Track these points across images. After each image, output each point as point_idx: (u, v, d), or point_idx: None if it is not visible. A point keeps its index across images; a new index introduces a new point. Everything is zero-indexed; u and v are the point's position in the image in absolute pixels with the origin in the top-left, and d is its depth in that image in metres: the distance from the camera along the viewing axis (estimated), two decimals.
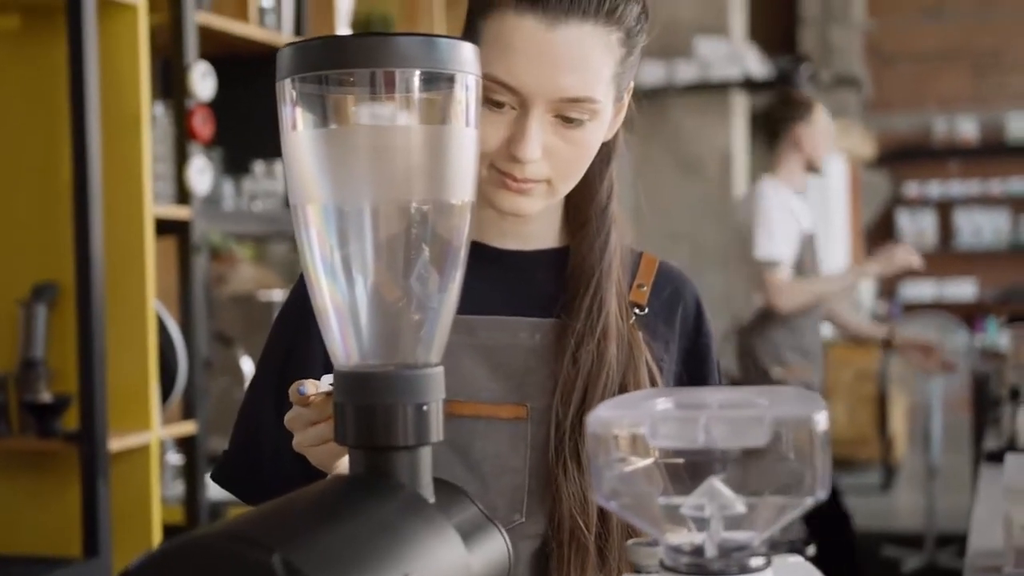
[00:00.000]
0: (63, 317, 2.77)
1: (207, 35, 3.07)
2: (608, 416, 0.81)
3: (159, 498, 2.86)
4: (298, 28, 3.44)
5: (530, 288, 1.32)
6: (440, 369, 0.91)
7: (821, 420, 0.78)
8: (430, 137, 0.90)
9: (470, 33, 1.25)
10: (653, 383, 1.29)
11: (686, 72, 5.68)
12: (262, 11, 3.31)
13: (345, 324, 0.91)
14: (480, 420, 1.26)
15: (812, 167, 4.24)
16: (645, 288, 1.35)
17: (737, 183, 5.91)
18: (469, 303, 1.27)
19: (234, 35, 3.15)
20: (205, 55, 3.05)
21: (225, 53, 3.23)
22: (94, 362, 2.62)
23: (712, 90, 5.73)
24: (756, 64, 5.89)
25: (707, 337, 1.37)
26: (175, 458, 3.22)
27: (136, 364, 2.78)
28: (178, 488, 3.19)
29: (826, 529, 3.97)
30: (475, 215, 1.31)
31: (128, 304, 2.78)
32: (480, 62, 1.19)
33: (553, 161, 1.22)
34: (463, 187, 0.91)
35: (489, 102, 1.20)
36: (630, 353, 1.29)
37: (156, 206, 2.87)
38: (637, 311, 1.33)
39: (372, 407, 0.88)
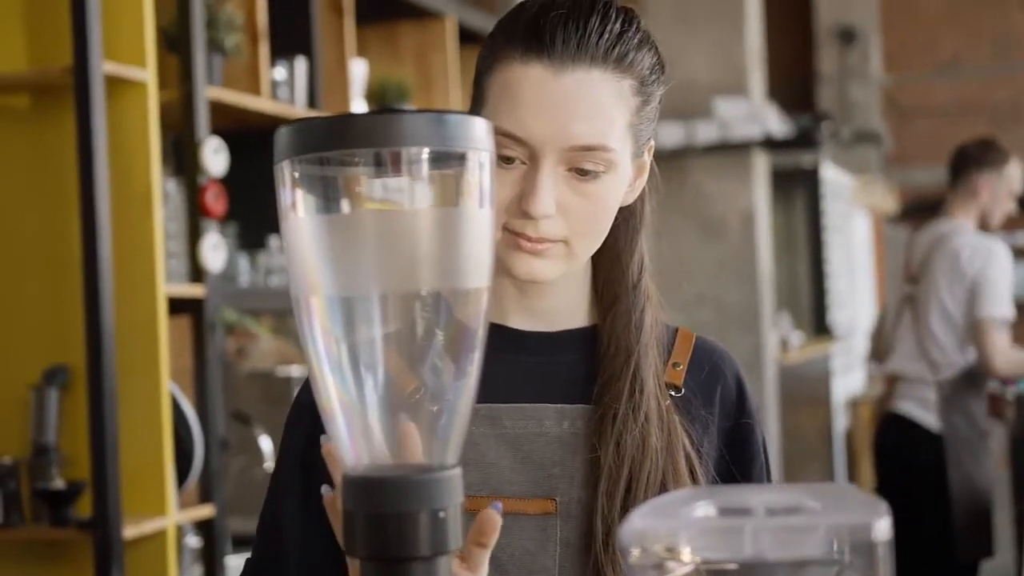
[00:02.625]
0: (75, 401, 2.70)
1: (219, 110, 3.03)
2: (643, 527, 0.73)
3: None
4: (311, 101, 3.40)
5: (556, 372, 1.23)
6: (458, 471, 0.84)
7: (883, 527, 0.70)
8: (441, 220, 0.83)
9: (478, 94, 1.19)
10: (692, 471, 1.21)
11: (706, 133, 5.62)
12: (274, 84, 3.27)
13: (353, 424, 0.84)
14: (505, 516, 1.18)
15: (985, 221, 4.11)
16: (681, 367, 1.26)
17: (761, 243, 5.83)
18: (492, 390, 1.17)
19: (246, 109, 3.11)
20: (217, 130, 3.00)
21: (238, 127, 3.19)
22: (106, 447, 2.55)
23: (732, 150, 5.67)
24: (776, 123, 5.83)
25: (750, 417, 1.28)
26: (194, 541, 3.14)
27: (151, 448, 2.71)
28: (197, 572, 3.10)
29: None
30: (494, 296, 1.24)
31: (141, 386, 2.71)
32: (488, 117, 1.13)
33: (569, 218, 1.15)
34: (478, 272, 0.84)
35: (499, 158, 1.13)
36: (668, 439, 1.20)
37: (169, 285, 2.81)
38: (673, 393, 1.24)
39: (384, 515, 0.81)
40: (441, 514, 0.81)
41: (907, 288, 4.21)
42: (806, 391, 7.09)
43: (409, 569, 0.82)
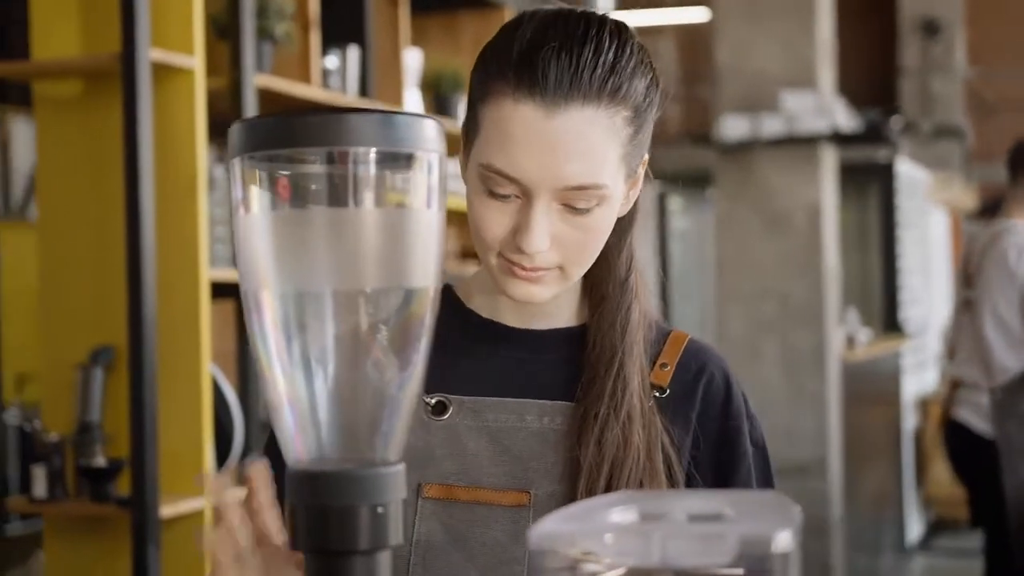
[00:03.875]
0: (119, 381, 2.76)
1: (269, 97, 3.07)
2: (554, 530, 0.74)
3: None
4: (363, 89, 3.43)
5: (543, 369, 1.25)
6: (400, 468, 0.85)
7: (783, 539, 0.70)
8: (388, 220, 0.85)
9: (472, 120, 1.19)
10: (670, 471, 1.21)
11: (771, 126, 5.57)
12: (326, 73, 3.30)
13: (299, 418, 0.85)
14: (480, 506, 1.20)
15: None
16: (668, 368, 1.26)
17: (827, 238, 5.77)
18: (479, 384, 1.23)
19: (296, 97, 3.15)
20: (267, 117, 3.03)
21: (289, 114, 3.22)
22: (145, 427, 2.60)
23: (800, 144, 5.61)
24: (844, 117, 5.76)
25: (736, 420, 1.28)
26: None
27: (190, 428, 2.76)
28: None
29: None
30: (489, 295, 1.26)
31: (183, 368, 2.76)
32: (481, 149, 1.15)
33: (563, 248, 1.16)
34: (425, 272, 0.85)
35: (493, 192, 1.15)
36: (648, 438, 1.21)
37: (215, 269, 2.86)
38: (657, 394, 1.25)
39: (325, 509, 0.83)
40: (379, 509, 0.83)
41: (964, 292, 4.14)
42: (873, 389, 7.01)
43: (349, 562, 0.83)
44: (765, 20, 5.70)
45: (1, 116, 4.61)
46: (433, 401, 1.22)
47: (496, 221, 1.15)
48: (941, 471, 7.43)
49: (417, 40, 3.90)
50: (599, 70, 1.13)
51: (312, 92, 3.20)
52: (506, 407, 1.23)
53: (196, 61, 2.75)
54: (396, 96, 3.55)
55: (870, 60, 10.45)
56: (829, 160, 5.76)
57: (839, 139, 5.67)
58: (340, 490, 0.83)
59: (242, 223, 0.86)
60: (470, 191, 1.18)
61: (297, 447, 0.85)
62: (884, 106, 7.87)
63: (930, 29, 10.69)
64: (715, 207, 5.95)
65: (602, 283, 1.26)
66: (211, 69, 2.88)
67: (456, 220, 3.99)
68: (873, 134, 5.95)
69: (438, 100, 3.82)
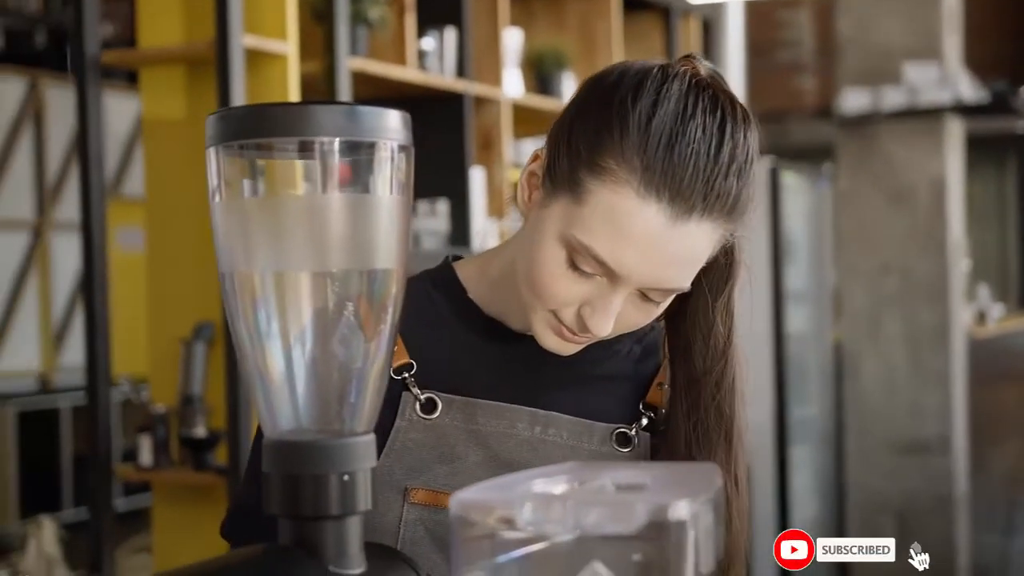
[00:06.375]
0: (220, 355, 2.87)
1: (367, 80, 3.14)
2: (473, 498, 0.78)
3: None
4: (461, 70, 3.48)
5: (538, 376, 1.23)
6: (367, 438, 0.90)
7: (680, 509, 0.73)
8: (353, 205, 0.90)
9: (569, 178, 1.11)
10: None
11: (893, 98, 5.47)
12: (422, 54, 3.36)
13: (274, 392, 0.91)
14: None
15: None
16: (666, 386, 1.23)
17: (951, 212, 5.65)
18: (470, 382, 1.21)
19: (393, 79, 3.21)
20: (364, 99, 3.12)
21: (386, 96, 3.30)
22: (239, 399, 2.70)
23: (922, 116, 5.49)
24: (969, 88, 5.62)
25: None
26: None
27: None
28: None
29: None
30: (504, 301, 1.23)
31: None
32: (582, 224, 1.10)
33: (618, 323, 1.14)
34: (389, 254, 0.90)
35: (575, 265, 1.10)
36: None
37: None
38: (652, 415, 1.23)
39: (298, 476, 0.89)
40: (346, 477, 0.88)
41: None
42: (1007, 365, 6.84)
43: (320, 526, 0.89)
44: None
45: None
46: (424, 398, 1.20)
47: (567, 290, 1.11)
48: None
49: (521, 20, 3.94)
50: (730, 179, 1.08)
51: (408, 74, 3.26)
52: (497, 411, 1.20)
53: (290, 47, 2.83)
54: (495, 76, 3.59)
55: (1013, 29, 10.13)
56: (954, 132, 5.63)
57: (963, 111, 5.54)
58: (310, 459, 0.88)
59: (217, 209, 0.92)
60: (543, 244, 1.12)
61: (270, 418, 0.91)
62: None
63: None
64: (835, 182, 5.87)
65: (691, 356, 1.20)
66: (309, 53, 2.96)
67: None
68: (1000, 105, 5.79)
69: (540, 79, 3.85)
